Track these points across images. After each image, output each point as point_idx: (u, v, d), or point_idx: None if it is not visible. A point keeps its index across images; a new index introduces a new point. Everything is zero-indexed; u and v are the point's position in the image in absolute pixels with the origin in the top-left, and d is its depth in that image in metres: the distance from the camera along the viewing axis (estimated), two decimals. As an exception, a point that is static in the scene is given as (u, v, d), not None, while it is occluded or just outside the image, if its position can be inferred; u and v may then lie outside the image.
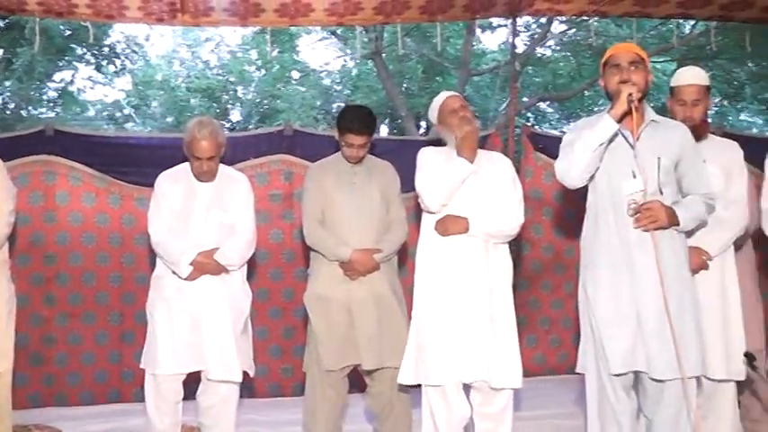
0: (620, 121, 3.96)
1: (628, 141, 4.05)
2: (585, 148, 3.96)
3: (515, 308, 4.80)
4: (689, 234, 4.28)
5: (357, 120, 5.01)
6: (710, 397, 4.70)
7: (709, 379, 4.62)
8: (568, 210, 7.27)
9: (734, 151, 4.85)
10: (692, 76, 4.77)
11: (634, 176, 4.01)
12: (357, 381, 5.28)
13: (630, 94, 3.92)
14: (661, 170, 4.05)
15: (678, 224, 4.03)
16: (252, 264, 5.47)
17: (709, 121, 5.51)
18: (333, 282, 4.99)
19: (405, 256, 5.79)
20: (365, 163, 5.15)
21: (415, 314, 4.79)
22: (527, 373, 5.67)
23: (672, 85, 4.83)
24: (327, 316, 4.98)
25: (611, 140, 4.01)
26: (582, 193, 4.29)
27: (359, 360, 4.98)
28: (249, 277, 5.21)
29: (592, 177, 4.14)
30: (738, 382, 4.78)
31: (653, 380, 4.01)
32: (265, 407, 6.55)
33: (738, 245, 4.96)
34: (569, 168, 4.06)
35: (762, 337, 5.05)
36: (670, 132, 4.16)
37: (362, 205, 5.03)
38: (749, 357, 4.25)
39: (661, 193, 4.03)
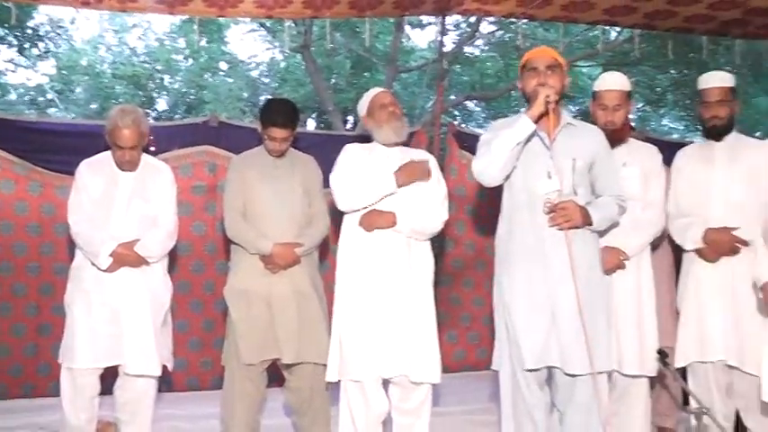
0: (536, 122, 4.04)
1: (544, 143, 4.14)
2: (503, 147, 4.03)
3: (437, 304, 4.84)
4: (602, 234, 4.38)
5: (280, 113, 4.97)
6: (624, 392, 4.81)
7: (622, 374, 4.74)
8: (491, 208, 7.19)
9: (653, 155, 4.95)
10: (613, 82, 4.85)
11: (549, 177, 4.08)
12: (276, 375, 5.24)
13: (548, 96, 4.00)
14: (575, 171, 4.14)
15: (591, 224, 4.12)
16: (173, 256, 5.40)
17: (633, 125, 5.61)
18: (253, 275, 4.93)
19: (326, 251, 5.77)
20: (288, 156, 5.11)
21: (337, 310, 4.78)
22: (447, 369, 5.71)
23: (594, 89, 4.91)
24: (247, 309, 4.93)
25: (527, 141, 4.08)
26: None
27: (278, 354, 4.94)
28: (170, 269, 5.14)
29: (508, 177, 4.19)
30: (651, 378, 4.89)
31: (565, 374, 4.09)
32: (184, 400, 6.48)
33: (655, 245, 5.05)
34: (487, 167, 4.12)
35: (674, 335, 5.14)
36: (585, 135, 4.26)
37: (284, 199, 4.98)
38: (662, 354, 4.33)
39: (575, 193, 4.12)
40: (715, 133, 4.91)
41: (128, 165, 4.89)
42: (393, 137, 4.85)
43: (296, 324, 4.91)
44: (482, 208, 7.35)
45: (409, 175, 4.73)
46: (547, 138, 4.13)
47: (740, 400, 4.77)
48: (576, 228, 4.06)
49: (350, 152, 4.87)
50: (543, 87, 4.04)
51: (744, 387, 4.69)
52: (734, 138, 4.93)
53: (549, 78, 4.10)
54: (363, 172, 4.74)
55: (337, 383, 4.79)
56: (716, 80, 4.92)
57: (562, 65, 4.20)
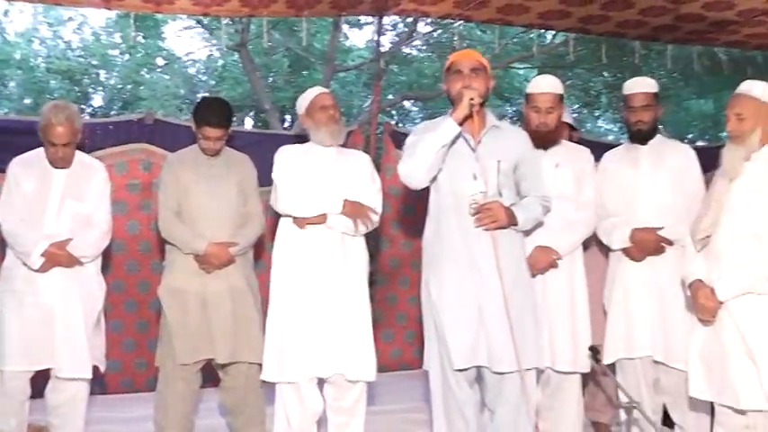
0: (461, 124, 4.07)
1: (469, 145, 4.17)
2: (428, 149, 4.05)
3: (373, 303, 4.87)
4: (528, 233, 4.43)
5: (214, 112, 4.94)
6: (557, 388, 4.89)
7: (556, 371, 4.82)
8: (427, 208, 7.32)
9: (585, 157, 5.05)
10: (546, 85, 4.91)
11: (475, 179, 4.11)
12: (211, 375, 5.19)
13: (472, 99, 4.03)
14: (500, 173, 4.18)
15: (517, 224, 4.17)
16: (107, 255, 5.33)
17: (574, 126, 5.69)
18: (188, 274, 4.89)
19: (261, 250, 5.74)
20: (223, 155, 5.07)
21: (272, 309, 4.78)
22: (384, 368, 5.71)
23: (527, 92, 4.97)
24: (182, 309, 4.89)
25: (452, 143, 4.10)
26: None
27: (213, 354, 4.91)
28: (104, 269, 5.07)
29: (434, 178, 4.21)
30: (584, 375, 4.98)
31: (493, 373, 4.12)
32: (118, 403, 6.38)
33: (588, 245, 5.12)
34: (413, 169, 4.13)
35: None
36: (510, 137, 4.30)
37: (219, 198, 4.95)
38: (593, 351, 4.39)
39: (500, 194, 4.16)
40: (640, 137, 5.02)
41: (61, 162, 4.82)
42: (330, 140, 4.85)
43: (231, 324, 4.89)
44: (418, 207, 7.30)
45: (356, 211, 4.74)
46: (472, 140, 4.16)
47: (667, 396, 4.88)
48: (502, 228, 4.10)
49: (286, 154, 4.86)
50: (467, 90, 4.06)
51: (671, 382, 4.80)
52: (658, 141, 5.04)
53: (474, 81, 4.12)
54: (302, 176, 4.75)
55: (272, 382, 4.78)
56: (641, 86, 5.02)
57: (486, 67, 4.24)
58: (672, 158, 4.94)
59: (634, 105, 4.98)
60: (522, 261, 4.29)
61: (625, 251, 4.93)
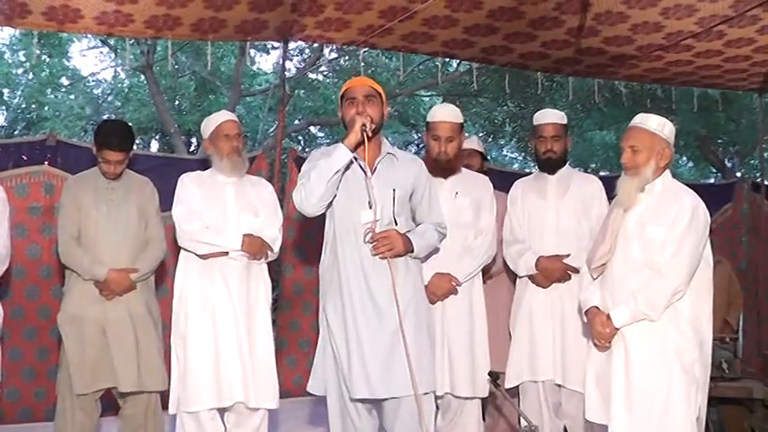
0: (354, 150, 4.02)
1: (364, 172, 4.13)
2: (321, 176, 4.00)
3: (276, 329, 4.81)
4: (424, 260, 4.39)
5: (114, 135, 4.87)
6: (457, 412, 4.91)
7: (455, 397, 4.85)
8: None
9: (484, 185, 5.10)
10: (446, 114, 4.96)
11: (370, 207, 4.07)
12: (111, 403, 5.08)
13: (364, 125, 4.00)
14: (396, 201, 4.15)
15: (413, 251, 4.14)
16: (6, 280, 5.21)
17: (485, 154, 5.77)
18: (87, 301, 4.81)
19: (163, 275, 5.65)
20: (123, 178, 5.00)
21: (174, 338, 4.73)
22: (288, 393, 5.66)
23: (428, 120, 5.02)
24: (80, 337, 4.79)
25: (346, 169, 4.06)
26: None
27: (114, 383, 4.82)
28: (2, 295, 4.95)
29: (330, 206, 4.17)
30: (484, 400, 5.03)
31: (392, 398, 4.07)
32: (15, 434, 6.20)
33: (494, 273, 5.19)
34: (307, 197, 4.07)
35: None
36: (405, 165, 4.28)
37: (119, 222, 4.88)
38: (493, 376, 4.41)
39: (396, 222, 4.13)
40: (549, 166, 5.12)
41: (-43, 184, 4.68)
42: (231, 173, 4.86)
43: (132, 351, 4.80)
44: (321, 233, 7.34)
45: (255, 249, 4.74)
46: (368, 167, 4.12)
47: (567, 419, 4.99)
48: (399, 256, 4.08)
49: (187, 185, 4.84)
50: (359, 116, 4.04)
51: (571, 406, 4.90)
52: (566, 171, 5.17)
53: (368, 107, 4.10)
54: (202, 209, 4.76)
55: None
56: (551, 117, 5.16)
57: (381, 94, 4.22)
58: (578, 188, 5.07)
59: (544, 135, 5.10)
60: (419, 287, 4.26)
61: (531, 278, 5.03)
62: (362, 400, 4.12)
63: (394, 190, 4.14)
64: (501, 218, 5.21)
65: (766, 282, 8.81)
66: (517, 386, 5.06)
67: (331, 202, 4.14)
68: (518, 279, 5.17)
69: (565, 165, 5.18)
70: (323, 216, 4.26)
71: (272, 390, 4.73)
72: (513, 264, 5.14)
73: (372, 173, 4.13)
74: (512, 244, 5.15)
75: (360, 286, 4.07)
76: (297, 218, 7.13)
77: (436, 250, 4.48)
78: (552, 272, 4.95)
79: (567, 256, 4.92)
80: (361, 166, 4.13)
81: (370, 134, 4.01)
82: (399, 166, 4.24)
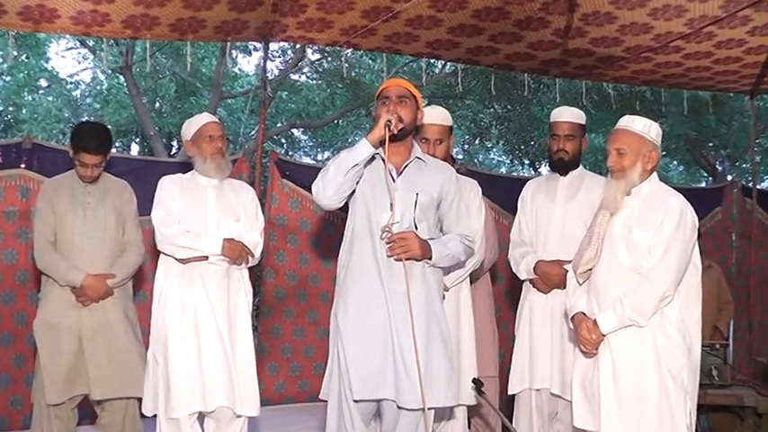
0: (377, 146, 4.02)
1: (391, 175, 4.13)
2: (340, 168, 4.00)
3: (258, 335, 4.81)
4: (446, 271, 4.39)
5: (91, 138, 4.86)
6: (443, 421, 4.87)
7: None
8: (313, 238, 7.39)
9: (472, 189, 5.07)
10: (435, 116, 4.95)
11: (391, 209, 4.07)
12: (88, 411, 5.07)
13: (389, 121, 3.99)
14: (418, 206, 4.15)
15: (431, 258, 4.11)
16: (-19, 286, 5.17)
17: (461, 158, 5.76)
18: (63, 307, 4.80)
19: (142, 280, 5.64)
20: (101, 182, 4.99)
21: (153, 343, 4.72)
22: (269, 401, 5.66)
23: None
24: (55, 344, 4.78)
25: (367, 164, 4.07)
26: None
27: (88, 390, 4.82)
28: (-22, 301, 4.92)
29: (352, 203, 4.18)
30: (469, 407, 4.99)
31: (397, 407, 4.04)
32: (-9, 442, 6.18)
33: (476, 277, 5.18)
34: (323, 187, 4.07)
35: (495, 365, 5.28)
36: (434, 171, 4.28)
37: (96, 227, 4.88)
38: (477, 383, 4.41)
39: (416, 227, 4.12)
40: (561, 166, 5.11)
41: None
42: (215, 174, 4.85)
43: (107, 358, 4.80)
44: (303, 238, 7.37)
45: (235, 254, 4.74)
46: (395, 170, 4.14)
47: (562, 426, 4.97)
48: (415, 260, 4.06)
49: (167, 188, 4.84)
50: (385, 113, 4.03)
51: (567, 415, 4.81)
52: (579, 173, 5.16)
53: (399, 108, 4.10)
54: (182, 213, 4.76)
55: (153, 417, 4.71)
56: (567, 115, 5.11)
57: (416, 97, 4.24)
58: (587, 192, 5.02)
59: (558, 134, 5.08)
60: (434, 297, 4.21)
61: (531, 282, 5.04)
62: (362, 411, 4.09)
63: (417, 194, 4.14)
64: (488, 223, 5.18)
65: (757, 287, 8.82)
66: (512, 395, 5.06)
67: (350, 199, 4.15)
68: (524, 282, 5.19)
69: (578, 166, 5.16)
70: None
71: (254, 397, 4.73)
72: (515, 266, 5.15)
73: (399, 176, 4.14)
74: (517, 245, 5.17)
75: (374, 288, 4.06)
76: (278, 222, 7.15)
77: (461, 264, 4.49)
78: (551, 277, 4.95)
79: (569, 261, 4.83)
80: (389, 170, 4.12)
81: (394, 131, 3.99)
82: (427, 172, 4.24)
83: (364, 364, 4.03)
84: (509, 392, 4.87)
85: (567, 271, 4.74)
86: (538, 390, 4.99)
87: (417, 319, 3.98)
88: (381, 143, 4.02)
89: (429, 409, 3.97)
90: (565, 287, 4.75)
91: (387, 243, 4.05)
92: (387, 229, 4.04)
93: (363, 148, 4.01)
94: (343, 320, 4.14)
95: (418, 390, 3.90)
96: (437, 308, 4.22)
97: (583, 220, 4.89)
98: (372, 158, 4.08)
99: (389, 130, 3.99)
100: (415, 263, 4.08)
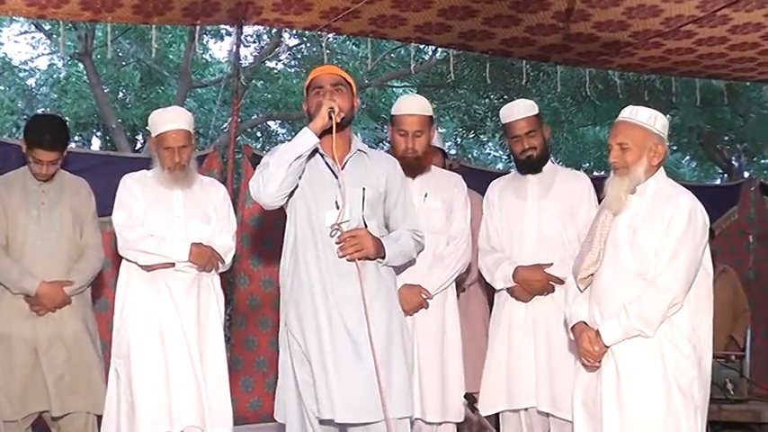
0: (320, 136, 4.02)
1: (332, 170, 4.14)
2: (282, 161, 3.99)
3: (230, 347, 4.80)
4: (399, 270, 4.40)
5: (46, 132, 4.83)
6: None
7: (426, 422, 4.78)
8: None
9: (456, 184, 5.03)
10: (413, 105, 4.91)
11: (337, 207, 4.07)
12: (43, 429, 5.06)
13: (332, 108, 4.00)
14: (366, 202, 4.15)
15: (384, 256, 4.13)
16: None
17: (453, 153, 5.75)
18: (16, 317, 4.79)
19: (102, 287, 5.63)
20: (56, 180, 4.97)
21: (114, 356, 4.73)
22: (244, 420, 5.65)
23: (393, 113, 4.95)
24: (8, 357, 4.77)
25: (309, 159, 4.06)
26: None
27: (45, 406, 4.82)
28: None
29: (290, 204, 4.18)
30: (460, 424, 4.95)
31: (359, 424, 4.02)
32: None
33: (469, 284, 5.16)
34: (265, 184, 4.06)
35: None
36: (378, 164, 4.30)
37: (51, 229, 4.87)
38: (469, 399, 4.41)
39: (365, 225, 4.13)
40: (531, 167, 4.97)
41: None
42: (174, 186, 4.83)
43: (65, 372, 4.80)
44: (280, 240, 7.34)
45: (203, 260, 4.75)
46: (335, 164, 4.11)
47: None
48: (368, 258, 4.07)
49: (129, 187, 4.84)
50: (327, 100, 4.04)
51: (563, 434, 4.82)
52: (549, 169, 5.04)
53: (336, 97, 4.09)
54: (146, 215, 4.76)
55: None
56: (519, 111, 4.96)
57: (351, 84, 4.24)
58: (563, 187, 4.95)
59: (518, 134, 4.93)
60: (392, 299, 4.23)
61: (510, 291, 4.92)
62: (327, 428, 4.10)
63: (364, 189, 4.14)
64: (479, 222, 5.14)
65: (776, 294, 8.83)
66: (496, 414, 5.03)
67: (289, 199, 4.14)
68: (496, 293, 5.06)
69: (547, 160, 5.05)
70: (283, 221, 4.25)
71: (226, 415, 4.75)
72: (489, 275, 5.02)
73: (342, 170, 4.10)
74: (488, 253, 5.04)
75: (324, 295, 4.05)
76: (252, 222, 7.12)
77: (413, 262, 4.48)
78: (533, 283, 4.83)
79: (550, 265, 4.80)
80: (328, 165, 4.14)
81: (338, 119, 4.00)
82: (371, 165, 4.25)
83: (325, 382, 3.99)
84: (483, 414, 4.83)
85: (549, 275, 4.78)
86: (526, 409, 4.90)
87: (378, 322, 4.00)
88: (323, 134, 4.02)
89: (399, 419, 3.98)
90: (548, 293, 4.82)
91: (336, 242, 4.05)
92: (336, 227, 4.04)
93: (307, 138, 4.02)
94: (297, 333, 4.14)
95: (376, 401, 3.89)
96: (396, 312, 4.22)
97: (560, 218, 4.90)
98: (311, 154, 4.07)
99: (332, 118, 4.00)
100: (368, 262, 4.09)
